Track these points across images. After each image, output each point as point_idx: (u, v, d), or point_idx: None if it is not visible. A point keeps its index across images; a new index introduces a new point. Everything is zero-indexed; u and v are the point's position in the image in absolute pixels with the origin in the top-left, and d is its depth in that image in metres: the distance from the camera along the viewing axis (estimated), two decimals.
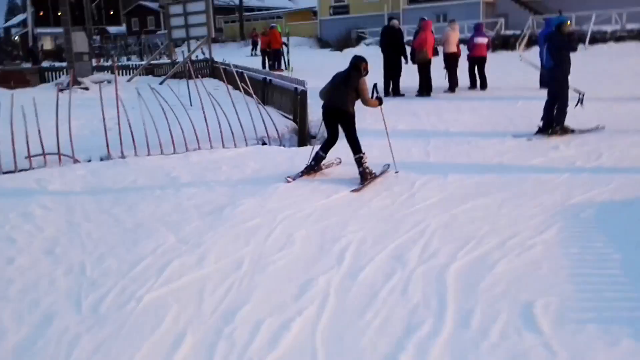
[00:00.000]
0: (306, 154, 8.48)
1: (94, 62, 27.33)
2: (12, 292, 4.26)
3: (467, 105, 11.94)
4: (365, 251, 4.70)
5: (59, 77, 20.78)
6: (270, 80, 13.59)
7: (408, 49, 13.97)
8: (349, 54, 30.30)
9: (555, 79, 9.13)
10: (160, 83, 18.63)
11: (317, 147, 7.53)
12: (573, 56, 9.08)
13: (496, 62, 20.06)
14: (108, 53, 31.28)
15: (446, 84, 13.91)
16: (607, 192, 6.19)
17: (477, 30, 14.34)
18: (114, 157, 9.15)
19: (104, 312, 3.89)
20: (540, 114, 9.35)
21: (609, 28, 23.62)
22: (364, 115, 8.00)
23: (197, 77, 12.33)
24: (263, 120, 10.16)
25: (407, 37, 19.22)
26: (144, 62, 21.61)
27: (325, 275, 4.23)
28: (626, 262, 4.38)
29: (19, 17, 57.29)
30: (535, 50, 24.64)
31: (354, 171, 7.09)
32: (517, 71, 17.16)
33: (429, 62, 13.29)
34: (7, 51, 37.38)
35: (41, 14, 22.83)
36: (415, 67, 13.70)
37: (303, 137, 9.88)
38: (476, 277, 4.16)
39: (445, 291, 3.97)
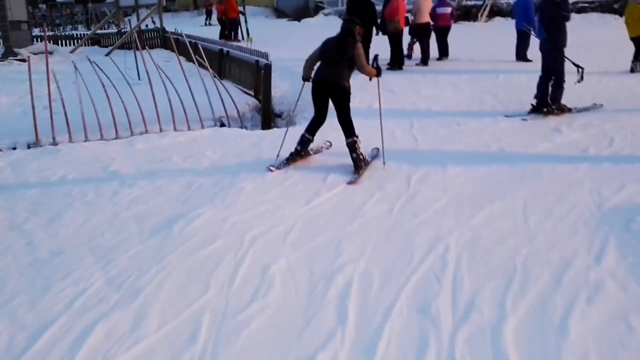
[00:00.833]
0: (273, 138, 6.94)
1: (36, 31, 24.67)
2: None
3: (444, 80, 10.51)
4: (375, 298, 3.21)
5: None
6: (228, 52, 11.82)
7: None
8: (307, 24, 28.60)
9: (549, 52, 7.77)
10: (107, 54, 16.56)
11: (289, 130, 6.06)
12: None
13: (461, 33, 18.72)
14: (53, 22, 28.48)
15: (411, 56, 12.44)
16: None
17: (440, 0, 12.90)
18: (44, 144, 7.37)
19: None
20: (525, 88, 8.15)
21: None
22: None
23: (144, 48, 10.50)
24: (221, 98, 8.49)
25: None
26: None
27: (326, 353, 2.74)
28: None
29: None
30: (498, 21, 23.66)
31: (339, 157, 5.60)
32: (484, 43, 15.85)
33: (400, 33, 11.74)
34: None
35: None
36: (385, 38, 12.18)
37: (268, 118, 8.28)
38: (547, 348, 2.75)
39: None
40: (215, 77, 8.66)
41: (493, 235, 4.04)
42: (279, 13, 34.00)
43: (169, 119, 7.99)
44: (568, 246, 3.84)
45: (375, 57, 5.99)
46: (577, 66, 7.99)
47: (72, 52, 17.28)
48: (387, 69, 11.67)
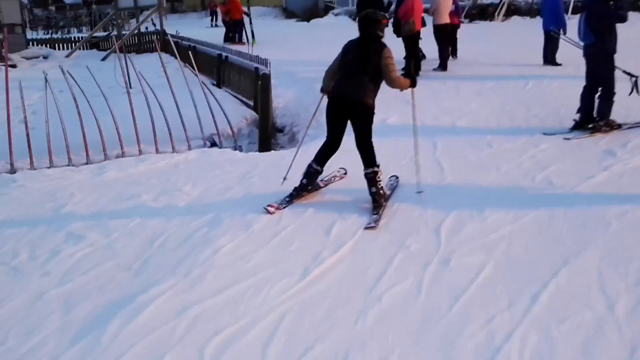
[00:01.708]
0: (267, 166, 5.65)
1: (33, 34, 23.56)
2: None
3: (467, 88, 9.15)
4: None
5: None
6: (227, 57, 10.55)
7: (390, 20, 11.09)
8: (316, 24, 27.17)
9: (596, 59, 6.41)
10: (103, 59, 15.37)
11: (296, 153, 4.84)
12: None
13: (478, 33, 17.31)
14: (57, 24, 27.35)
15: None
16: None
17: None
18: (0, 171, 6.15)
19: None
20: (560, 98, 6.91)
21: None
22: None
23: (127, 52, 9.28)
24: (212, 112, 7.20)
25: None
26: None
27: None
28: None
29: None
30: (516, 20, 22.10)
31: (350, 188, 4.34)
32: (505, 44, 14.43)
33: (416, 35, 10.38)
34: None
35: None
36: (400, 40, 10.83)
37: (266, 137, 6.98)
38: None
39: None
40: (204, 86, 7.37)
41: (570, 338, 2.72)
42: (288, 13, 32.66)
43: (153, 137, 6.74)
44: None
45: (412, 61, 4.67)
46: (630, 75, 6.60)
47: (67, 56, 16.11)
48: (402, 74, 10.33)
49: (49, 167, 6.18)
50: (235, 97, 9.90)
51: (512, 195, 4.70)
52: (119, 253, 3.76)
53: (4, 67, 15.21)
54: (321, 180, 5.02)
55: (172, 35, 15.93)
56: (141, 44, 16.56)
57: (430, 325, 2.85)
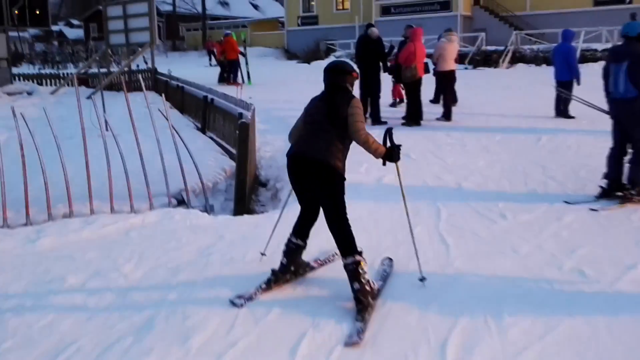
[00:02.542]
0: (236, 237, 4.64)
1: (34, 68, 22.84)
2: None
3: (473, 142, 8.21)
4: None
5: None
6: (212, 99, 9.65)
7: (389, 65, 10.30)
8: (317, 66, 26.52)
9: (634, 117, 5.45)
10: (88, 97, 14.50)
11: (278, 221, 3.82)
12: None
13: (482, 81, 16.53)
14: (53, 59, 26.75)
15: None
16: None
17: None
18: None
19: None
20: (579, 156, 6.86)
21: (599, 46, 20.29)
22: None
23: (117, 90, 8.43)
24: (180, 164, 6.21)
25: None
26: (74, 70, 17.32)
27: None
28: None
29: None
30: (522, 68, 21.30)
31: (334, 273, 3.35)
32: (511, 93, 13.59)
33: (418, 82, 9.52)
34: None
35: None
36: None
37: (242, 196, 5.96)
38: None
39: None
40: (176, 132, 6.40)
41: None
42: (290, 54, 32.21)
43: (119, 193, 5.74)
44: None
45: (388, 132, 3.70)
46: None
47: (52, 93, 15.28)
48: (402, 124, 9.43)
49: None
50: (219, 144, 8.96)
51: (536, 292, 3.66)
52: None
53: None
54: (316, 259, 4.01)
55: (162, 75, 15.18)
56: (131, 82, 15.75)
57: None
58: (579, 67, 9.95)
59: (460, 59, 19.41)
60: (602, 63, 6.45)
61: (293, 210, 5.43)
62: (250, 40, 34.99)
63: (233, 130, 8.33)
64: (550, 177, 6.46)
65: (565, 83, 9.72)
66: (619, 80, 5.42)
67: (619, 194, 5.54)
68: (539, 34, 23.65)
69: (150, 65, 15.91)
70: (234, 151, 8.16)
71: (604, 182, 5.68)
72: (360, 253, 3.50)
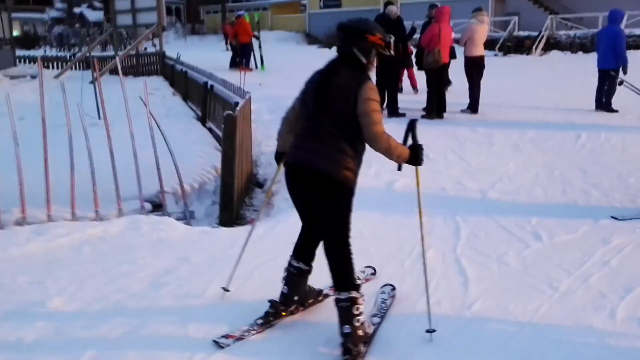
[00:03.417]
0: (209, 256, 3.81)
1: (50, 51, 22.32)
2: None
3: (502, 138, 7.22)
4: None
5: None
6: (212, 86, 8.82)
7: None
8: None
9: None
10: (91, 82, 13.82)
11: (246, 242, 3.06)
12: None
13: (514, 69, 15.38)
14: (69, 42, 26.24)
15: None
16: None
17: None
18: None
19: None
20: (625, 158, 5.91)
21: None
22: None
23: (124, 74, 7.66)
24: (157, 162, 5.38)
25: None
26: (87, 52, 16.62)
27: None
28: None
29: None
30: (556, 55, 19.91)
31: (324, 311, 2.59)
32: (545, 83, 12.45)
33: (442, 69, 8.52)
34: None
35: None
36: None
37: (228, 202, 5.12)
38: None
39: None
40: (157, 124, 5.57)
41: None
42: (311, 39, 31.15)
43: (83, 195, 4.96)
44: None
45: (412, 126, 2.81)
46: None
47: (57, 76, 14.63)
48: (422, 116, 8.46)
49: None
50: (218, 137, 8.12)
51: (583, 351, 2.75)
52: None
53: None
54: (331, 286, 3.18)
55: (170, 59, 14.40)
56: (139, 66, 15.02)
57: None
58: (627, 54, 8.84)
59: (490, 44, 18.27)
60: None
61: (286, 220, 4.62)
62: (271, 23, 34.04)
63: None
64: (593, 184, 5.49)
65: (608, 73, 8.64)
66: None
67: None
68: (577, 19, 22.17)
69: (158, 48, 15.15)
70: None
71: None
72: (358, 287, 2.70)
